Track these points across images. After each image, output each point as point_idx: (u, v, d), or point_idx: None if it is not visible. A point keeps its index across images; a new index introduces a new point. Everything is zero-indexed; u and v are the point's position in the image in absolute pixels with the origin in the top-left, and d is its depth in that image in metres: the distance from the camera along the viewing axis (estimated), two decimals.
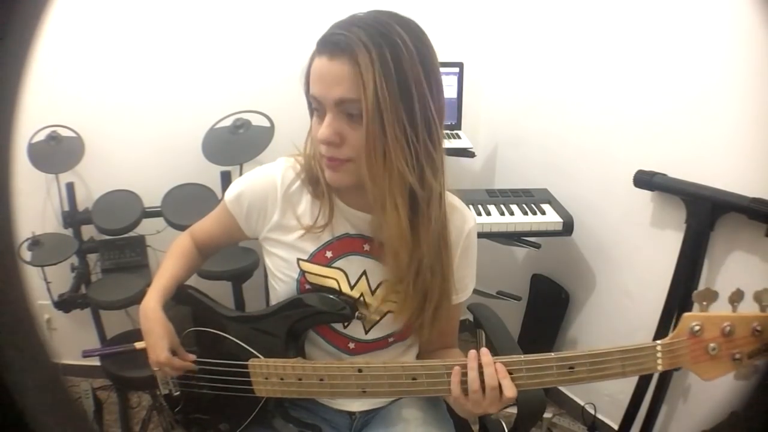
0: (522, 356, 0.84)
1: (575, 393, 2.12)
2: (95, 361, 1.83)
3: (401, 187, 0.85)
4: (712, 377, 0.77)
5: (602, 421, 2.01)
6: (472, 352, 0.85)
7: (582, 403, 2.06)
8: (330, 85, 0.82)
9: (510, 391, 0.82)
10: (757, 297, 0.74)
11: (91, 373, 2.05)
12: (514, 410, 1.16)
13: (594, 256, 1.97)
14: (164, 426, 1.90)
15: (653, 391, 1.72)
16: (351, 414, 1.09)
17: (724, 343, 0.76)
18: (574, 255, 2.02)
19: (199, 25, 1.97)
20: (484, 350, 0.85)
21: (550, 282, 2.12)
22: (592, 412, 2.01)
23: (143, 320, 1.03)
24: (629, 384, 1.78)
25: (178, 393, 1.12)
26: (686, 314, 0.78)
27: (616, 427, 1.90)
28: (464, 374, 0.86)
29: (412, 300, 0.94)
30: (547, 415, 2.09)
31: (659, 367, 0.79)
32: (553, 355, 0.82)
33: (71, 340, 2.06)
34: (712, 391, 1.61)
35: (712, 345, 0.76)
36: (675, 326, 0.79)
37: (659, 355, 0.78)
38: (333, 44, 0.81)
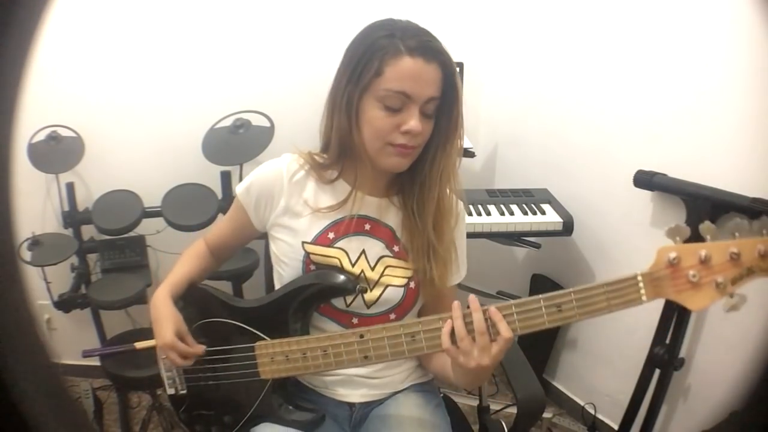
0: (511, 300, 0.86)
1: (575, 393, 2.12)
2: (95, 361, 1.83)
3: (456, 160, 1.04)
4: (699, 306, 0.78)
5: (602, 421, 2.01)
6: (456, 302, 0.88)
7: (582, 403, 2.06)
8: (425, 84, 0.94)
9: (507, 332, 0.84)
10: (730, 230, 0.77)
11: (91, 373, 2.05)
12: (514, 410, 1.16)
13: (594, 256, 1.97)
14: (164, 426, 1.91)
15: (653, 391, 1.72)
16: (351, 405, 1.12)
17: (703, 269, 0.77)
18: (574, 255, 2.02)
19: (200, 26, 1.97)
20: (472, 296, 0.88)
21: (550, 282, 2.12)
22: (592, 412, 2.01)
23: (153, 310, 1.08)
24: (629, 384, 1.78)
25: (183, 392, 1.13)
26: (661, 246, 0.80)
27: (616, 427, 1.90)
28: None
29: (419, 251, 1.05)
30: (547, 415, 2.09)
31: (644, 298, 0.80)
32: (540, 296, 0.84)
33: (71, 340, 2.06)
34: (712, 391, 1.62)
35: (691, 272, 0.77)
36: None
37: (641, 285, 0.80)
38: (431, 50, 0.94)
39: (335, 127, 1.00)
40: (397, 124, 0.95)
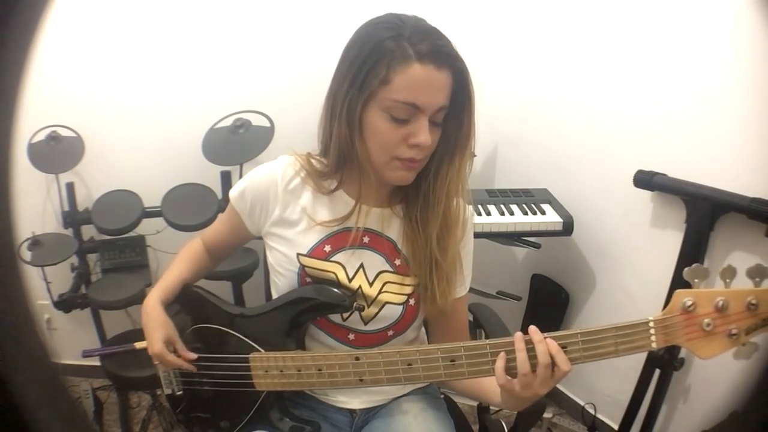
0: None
1: (575, 393, 2.12)
2: (95, 361, 1.83)
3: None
4: (709, 355, 0.75)
5: (602, 421, 2.01)
6: (519, 334, 0.83)
7: (582, 403, 2.06)
8: (436, 93, 0.88)
9: (566, 365, 0.80)
10: (750, 273, 0.73)
11: (91, 373, 2.05)
12: None
13: (594, 256, 1.97)
14: (164, 426, 1.91)
15: (653, 391, 1.72)
16: (352, 412, 1.10)
17: (718, 318, 0.74)
18: (574, 255, 2.02)
19: (200, 26, 1.97)
20: (534, 328, 0.83)
21: (550, 282, 2.12)
22: (592, 412, 2.01)
23: (143, 315, 1.06)
24: (629, 384, 1.78)
25: (180, 393, 1.13)
26: (678, 290, 0.76)
27: (616, 427, 1.90)
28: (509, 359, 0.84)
29: (421, 264, 1.00)
30: (547, 415, 2.09)
31: (653, 345, 0.77)
32: (545, 335, 0.81)
33: (71, 340, 2.06)
34: (712, 391, 1.62)
35: (706, 321, 0.74)
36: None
37: (652, 331, 0.77)
38: (443, 55, 0.86)
39: (335, 135, 0.92)
40: (404, 136, 0.88)
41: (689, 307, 0.75)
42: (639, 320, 0.78)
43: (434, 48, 0.86)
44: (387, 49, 0.86)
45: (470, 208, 1.06)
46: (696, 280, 0.76)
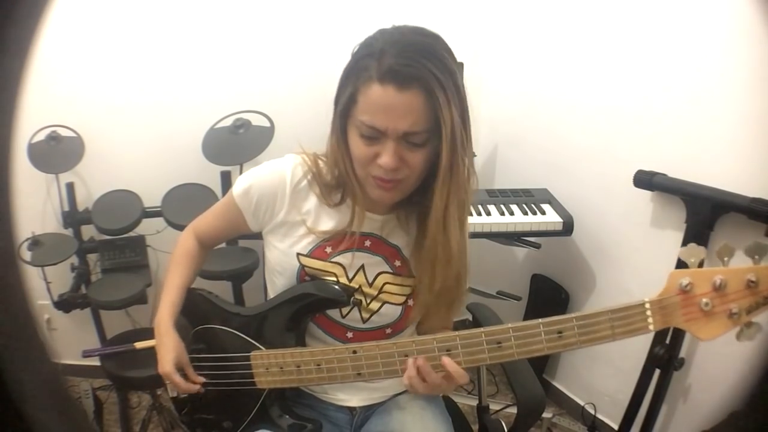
0: (509, 324, 0.83)
1: (575, 393, 2.12)
2: (95, 361, 1.83)
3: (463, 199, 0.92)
4: (710, 336, 0.73)
5: (602, 421, 2.01)
6: (410, 360, 0.88)
7: (582, 403, 2.06)
8: (398, 117, 0.82)
9: (452, 369, 0.86)
10: (749, 251, 0.71)
11: (91, 373, 2.05)
12: (514, 410, 1.16)
13: (594, 256, 1.97)
14: (164, 426, 1.91)
15: (653, 391, 1.72)
16: (351, 410, 1.11)
17: (717, 297, 0.72)
18: (574, 255, 2.02)
19: (200, 26, 1.97)
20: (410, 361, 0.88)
21: (550, 282, 2.12)
22: (592, 412, 2.01)
23: (156, 334, 1.07)
24: (629, 384, 1.78)
25: (185, 395, 1.13)
26: (674, 271, 0.74)
27: (616, 427, 1.90)
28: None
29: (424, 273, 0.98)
30: (547, 415, 2.09)
31: (651, 326, 0.75)
32: (540, 320, 0.80)
33: (71, 340, 2.06)
34: (712, 391, 1.62)
35: (704, 300, 0.72)
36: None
37: (649, 313, 0.75)
38: (403, 76, 0.80)
39: (330, 146, 0.95)
40: (375, 154, 0.86)
41: (686, 286, 0.73)
42: (635, 302, 0.76)
43: (398, 67, 0.80)
44: (358, 67, 0.84)
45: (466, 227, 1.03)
46: (692, 260, 0.74)
